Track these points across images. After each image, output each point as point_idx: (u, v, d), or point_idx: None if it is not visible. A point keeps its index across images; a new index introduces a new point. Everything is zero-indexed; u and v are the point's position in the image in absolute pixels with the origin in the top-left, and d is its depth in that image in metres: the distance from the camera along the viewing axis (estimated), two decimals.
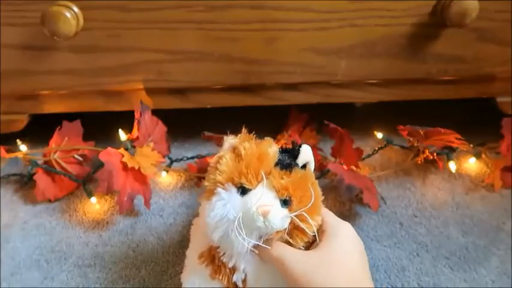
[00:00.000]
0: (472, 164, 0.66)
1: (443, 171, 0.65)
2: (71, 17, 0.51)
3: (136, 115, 0.59)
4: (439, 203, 0.61)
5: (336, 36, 0.57)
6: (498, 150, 0.63)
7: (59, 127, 0.62)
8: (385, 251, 0.55)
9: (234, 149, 0.42)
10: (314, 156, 0.44)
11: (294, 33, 0.56)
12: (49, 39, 0.53)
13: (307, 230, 0.40)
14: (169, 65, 0.58)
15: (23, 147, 0.64)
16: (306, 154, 0.43)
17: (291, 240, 0.40)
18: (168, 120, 0.64)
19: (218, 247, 0.42)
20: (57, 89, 0.61)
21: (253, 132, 0.45)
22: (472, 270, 0.53)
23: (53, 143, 0.62)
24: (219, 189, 0.40)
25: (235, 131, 0.46)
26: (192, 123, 0.72)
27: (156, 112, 0.62)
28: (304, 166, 0.43)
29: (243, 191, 0.40)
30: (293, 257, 0.39)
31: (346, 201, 0.61)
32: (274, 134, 0.68)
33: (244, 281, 0.42)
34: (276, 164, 0.41)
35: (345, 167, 0.60)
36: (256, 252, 0.41)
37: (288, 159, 0.42)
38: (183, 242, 0.56)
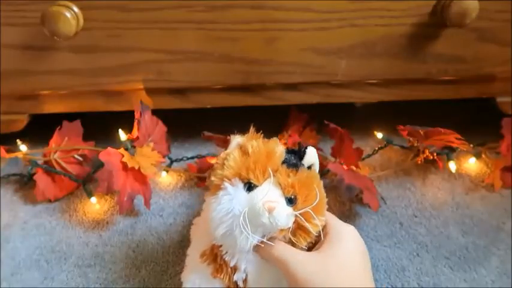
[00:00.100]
0: (472, 164, 0.66)
1: (443, 171, 0.65)
2: (71, 17, 0.51)
3: (136, 115, 0.59)
4: (439, 203, 0.61)
5: (336, 36, 0.57)
6: (498, 150, 0.63)
7: (59, 127, 0.62)
8: (385, 251, 0.55)
9: (241, 147, 0.43)
10: None
11: (294, 33, 0.56)
12: (49, 39, 0.53)
13: (311, 229, 0.40)
14: (169, 65, 0.58)
15: (23, 147, 0.64)
16: (312, 156, 0.43)
17: (294, 240, 0.40)
18: (168, 120, 0.64)
19: (221, 245, 0.42)
20: (57, 89, 0.61)
21: (261, 132, 0.45)
22: (472, 270, 0.53)
23: (53, 143, 0.62)
24: (226, 184, 0.40)
25: (235, 131, 0.46)
26: (192, 123, 0.71)
27: (156, 112, 0.62)
28: (309, 168, 0.43)
29: (250, 187, 0.40)
30: (295, 257, 0.39)
31: (346, 201, 0.61)
32: (274, 134, 0.67)
33: (245, 280, 0.42)
34: (283, 163, 0.41)
35: (345, 167, 0.60)
36: (258, 253, 0.41)
37: (294, 159, 0.42)
38: (183, 242, 0.56)
